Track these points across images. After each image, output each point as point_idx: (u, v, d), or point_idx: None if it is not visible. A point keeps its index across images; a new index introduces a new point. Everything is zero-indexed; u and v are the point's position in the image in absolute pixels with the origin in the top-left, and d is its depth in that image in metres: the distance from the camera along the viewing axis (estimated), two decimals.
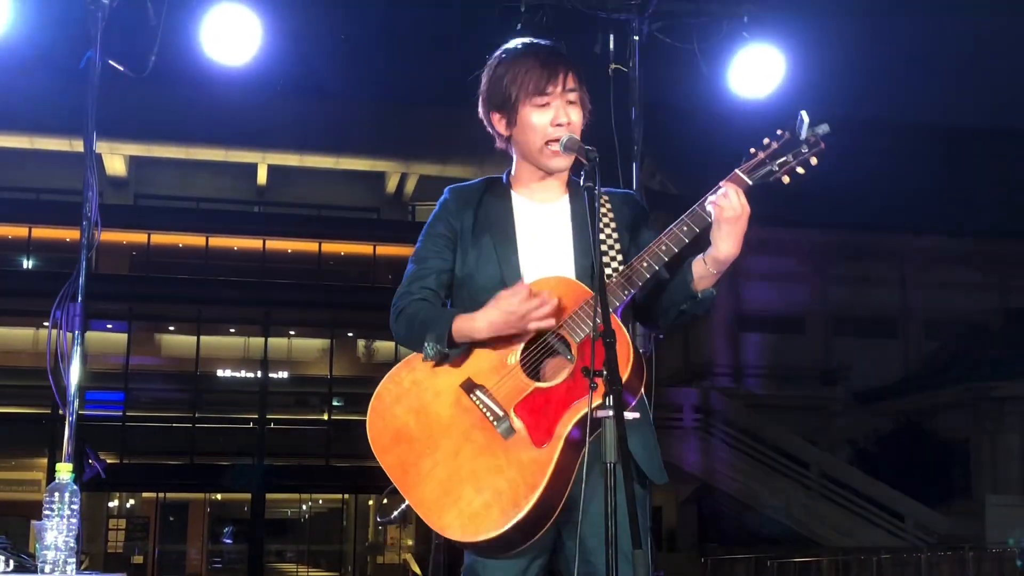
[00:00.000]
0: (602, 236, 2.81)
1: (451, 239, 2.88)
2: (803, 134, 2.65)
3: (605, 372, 2.36)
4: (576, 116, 2.83)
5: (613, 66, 5.41)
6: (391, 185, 32.44)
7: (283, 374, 30.29)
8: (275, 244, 30.42)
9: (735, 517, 26.40)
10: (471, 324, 2.67)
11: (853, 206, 29.61)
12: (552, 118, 2.80)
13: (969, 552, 21.56)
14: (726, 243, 2.65)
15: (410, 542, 28.52)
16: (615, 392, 2.33)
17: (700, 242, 2.73)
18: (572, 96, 2.84)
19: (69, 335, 4.26)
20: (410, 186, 32.44)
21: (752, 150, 2.70)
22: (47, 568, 3.06)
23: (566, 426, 2.58)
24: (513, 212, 2.88)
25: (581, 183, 2.63)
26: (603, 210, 2.87)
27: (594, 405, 2.39)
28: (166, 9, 4.96)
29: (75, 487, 3.11)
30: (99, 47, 4.59)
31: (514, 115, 2.84)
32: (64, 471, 3.12)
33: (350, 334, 31.50)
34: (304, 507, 36.98)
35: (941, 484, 28.19)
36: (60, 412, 4.24)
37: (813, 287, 33.54)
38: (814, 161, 2.66)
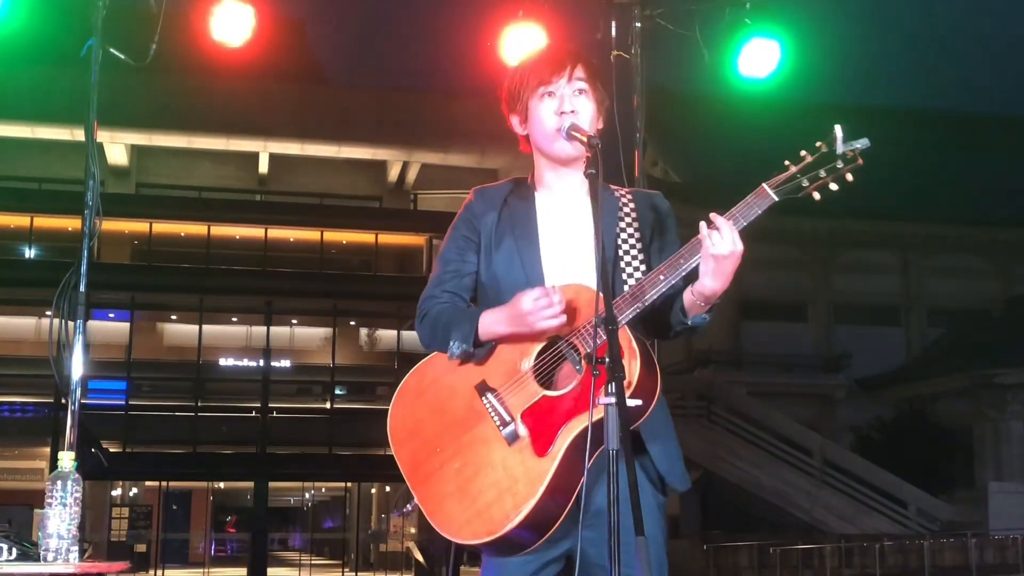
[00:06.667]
0: (622, 241, 2.80)
1: (474, 241, 2.87)
2: (840, 148, 2.56)
3: (608, 360, 2.33)
4: (584, 106, 2.80)
5: (615, 53, 5.37)
6: (393, 173, 32.39)
7: (285, 363, 30.29)
8: (277, 233, 30.39)
9: (738, 504, 26.42)
10: (492, 321, 2.67)
11: (855, 193, 29.48)
12: (557, 107, 2.79)
13: (971, 539, 21.60)
14: (711, 279, 2.58)
15: (413, 530, 28.53)
16: (617, 379, 2.31)
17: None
18: (580, 86, 2.82)
19: (71, 324, 4.26)
20: (412, 174, 32.38)
21: (787, 162, 2.60)
22: (50, 556, 3.07)
23: (567, 436, 2.55)
24: (536, 214, 2.86)
25: (596, 177, 2.58)
26: (626, 211, 2.85)
27: (600, 399, 2.34)
28: None
29: (77, 476, 3.12)
30: (100, 35, 4.58)
31: (525, 110, 2.86)
32: (66, 460, 3.12)
33: (352, 323, 31.49)
34: (307, 495, 37.07)
35: (943, 471, 28.18)
36: (63, 401, 4.24)
37: (815, 274, 33.51)
38: (850, 177, 2.58)
